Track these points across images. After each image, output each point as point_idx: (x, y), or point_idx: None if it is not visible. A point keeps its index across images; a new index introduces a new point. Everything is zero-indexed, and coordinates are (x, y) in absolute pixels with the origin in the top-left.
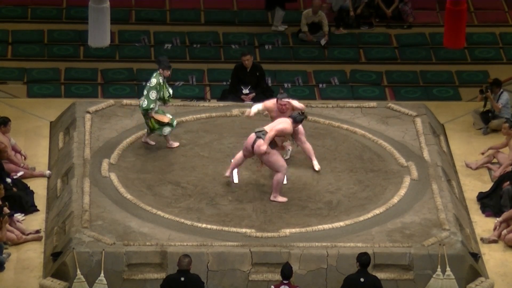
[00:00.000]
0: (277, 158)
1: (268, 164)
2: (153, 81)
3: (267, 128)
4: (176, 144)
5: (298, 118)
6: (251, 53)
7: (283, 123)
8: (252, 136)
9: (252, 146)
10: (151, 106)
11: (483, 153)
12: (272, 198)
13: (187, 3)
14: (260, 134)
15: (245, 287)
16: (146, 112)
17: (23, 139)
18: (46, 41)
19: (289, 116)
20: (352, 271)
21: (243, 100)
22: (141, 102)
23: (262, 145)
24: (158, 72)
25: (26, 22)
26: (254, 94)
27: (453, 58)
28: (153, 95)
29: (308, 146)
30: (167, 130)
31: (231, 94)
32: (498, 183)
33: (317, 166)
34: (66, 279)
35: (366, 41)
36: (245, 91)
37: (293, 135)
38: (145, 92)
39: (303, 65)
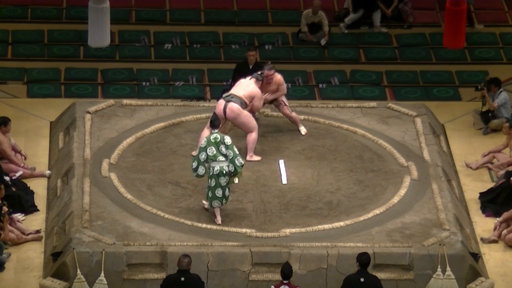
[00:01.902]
0: (250, 119)
1: (241, 126)
2: (227, 139)
3: (234, 92)
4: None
5: (257, 76)
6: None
7: (250, 85)
8: (221, 102)
9: (224, 112)
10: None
11: (485, 156)
12: (248, 158)
13: (187, 3)
14: (230, 98)
15: (245, 287)
16: (241, 168)
17: (23, 139)
18: (46, 41)
19: (251, 77)
20: (352, 271)
21: None
22: (228, 166)
23: (236, 108)
24: (219, 131)
25: (26, 22)
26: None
27: (453, 58)
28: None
29: (294, 115)
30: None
31: None
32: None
33: (303, 131)
34: (66, 279)
35: (366, 41)
36: None
37: (276, 105)
38: (229, 154)
39: (303, 65)
